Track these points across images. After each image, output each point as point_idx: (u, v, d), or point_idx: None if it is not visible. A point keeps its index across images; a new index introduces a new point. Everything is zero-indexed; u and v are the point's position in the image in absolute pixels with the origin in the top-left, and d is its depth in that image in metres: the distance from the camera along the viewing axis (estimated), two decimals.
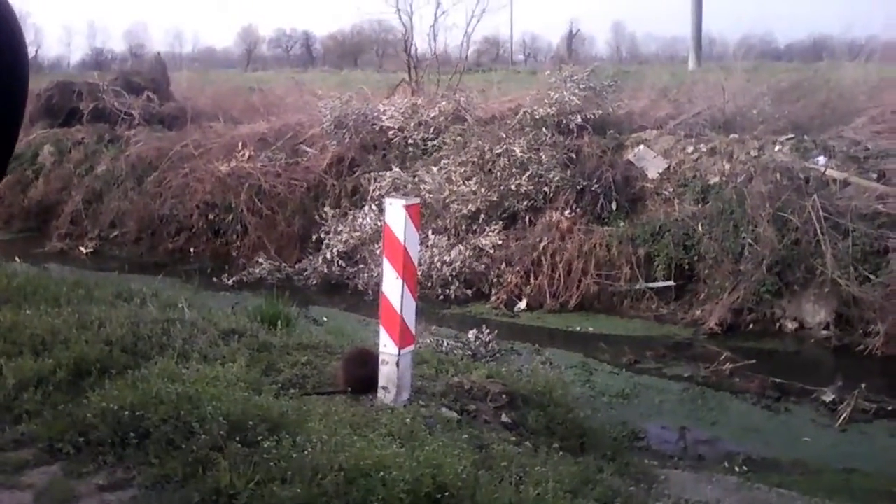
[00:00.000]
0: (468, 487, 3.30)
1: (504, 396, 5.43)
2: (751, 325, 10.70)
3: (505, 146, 12.72)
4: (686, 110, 14.99)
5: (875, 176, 11.33)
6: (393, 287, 4.90)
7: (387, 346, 4.97)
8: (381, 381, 5.01)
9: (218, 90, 22.37)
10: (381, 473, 3.42)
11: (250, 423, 4.00)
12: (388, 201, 4.94)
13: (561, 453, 4.82)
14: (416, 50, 17.96)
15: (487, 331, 10.05)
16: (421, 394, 5.32)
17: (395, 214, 4.82)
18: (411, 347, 5.11)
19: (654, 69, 28.13)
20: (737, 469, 6.65)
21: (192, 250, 14.82)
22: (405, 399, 5.03)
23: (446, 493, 3.24)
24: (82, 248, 14.99)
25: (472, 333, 10.03)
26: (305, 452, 3.68)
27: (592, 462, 4.98)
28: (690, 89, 16.52)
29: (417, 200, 5.11)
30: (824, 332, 10.45)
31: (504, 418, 5.31)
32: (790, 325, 10.68)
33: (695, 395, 8.84)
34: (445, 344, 9.59)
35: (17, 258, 11.30)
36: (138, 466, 3.86)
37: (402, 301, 4.89)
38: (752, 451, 7.40)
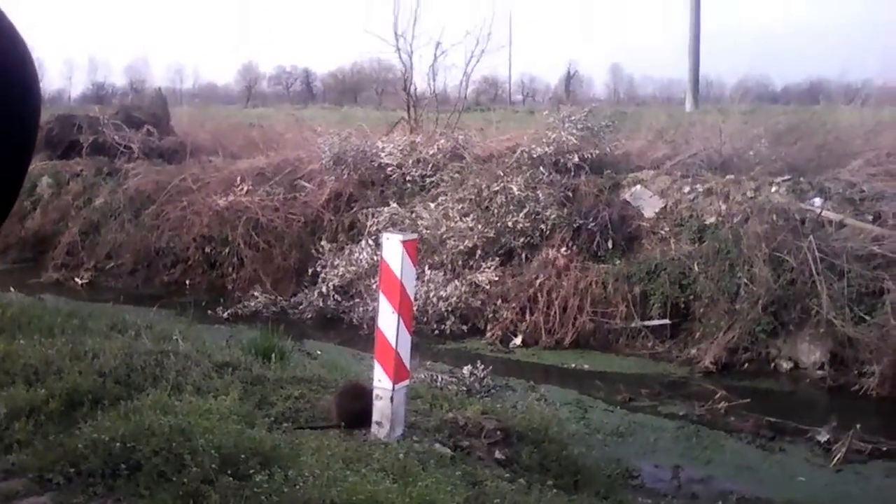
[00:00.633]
0: None
1: (498, 433, 5.41)
2: (746, 365, 10.68)
3: (502, 184, 12.78)
4: (683, 151, 15.06)
5: (871, 218, 11.38)
6: (389, 321, 4.90)
7: (381, 381, 4.96)
8: (375, 416, 4.99)
9: (218, 125, 22.49)
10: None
11: (242, 456, 3.98)
12: (385, 236, 4.95)
13: (555, 491, 4.81)
14: (416, 89, 18.10)
15: (482, 366, 10.04)
16: (415, 429, 5.30)
17: (392, 249, 4.84)
18: (406, 382, 5.10)
19: (651, 110, 28.34)
20: None
21: (187, 283, 14.81)
22: (399, 434, 5.02)
23: None
24: (78, 280, 14.97)
25: (466, 369, 10.02)
26: (297, 487, 3.66)
27: (586, 500, 4.96)
28: (687, 131, 16.59)
29: (415, 236, 5.13)
30: (819, 372, 10.43)
31: (498, 455, 5.29)
32: (785, 365, 10.67)
33: (689, 433, 8.80)
34: (440, 379, 9.57)
35: (11, 288, 11.29)
36: (129, 498, 3.83)
37: (397, 336, 4.89)
38: (745, 490, 7.37)
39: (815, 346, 10.57)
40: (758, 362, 10.74)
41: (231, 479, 3.78)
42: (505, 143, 15.36)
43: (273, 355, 6.71)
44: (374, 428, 5.00)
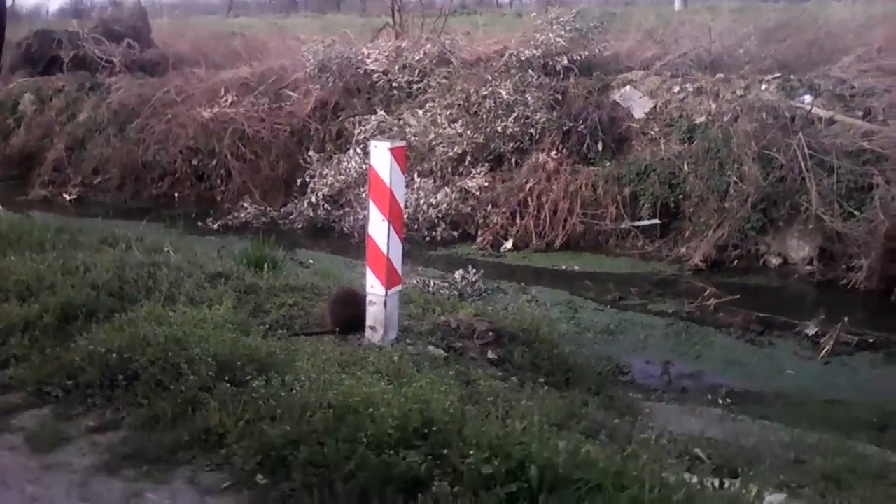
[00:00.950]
0: (455, 422, 3.33)
1: (490, 334, 5.47)
2: (735, 262, 10.80)
3: (491, 88, 12.63)
4: (672, 51, 14.87)
5: (860, 114, 11.32)
6: (379, 229, 4.89)
7: (374, 287, 4.98)
8: (369, 321, 5.03)
9: (199, 36, 22.06)
10: (370, 410, 3.44)
11: (238, 363, 4.01)
12: (373, 144, 4.90)
13: (546, 388, 4.88)
14: None
15: (474, 271, 10.12)
16: (408, 333, 5.35)
17: (381, 157, 4.79)
18: (398, 288, 5.12)
19: (640, 10, 27.82)
20: (720, 401, 6.74)
21: (175, 195, 14.79)
22: (392, 338, 5.06)
23: (434, 428, 3.27)
24: (66, 195, 14.93)
25: (458, 273, 10.09)
26: (294, 391, 3.70)
27: (577, 396, 5.04)
28: (676, 30, 16.35)
29: (403, 143, 5.08)
30: (808, 268, 10.55)
31: (490, 355, 5.35)
32: (774, 261, 10.77)
33: (679, 330, 8.94)
34: (432, 284, 9.65)
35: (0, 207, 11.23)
36: (127, 408, 3.87)
37: (388, 243, 4.89)
38: (735, 384, 7.52)
39: (804, 242, 10.66)
40: (747, 259, 10.85)
41: (228, 385, 3.81)
42: (493, 46, 15.11)
43: (265, 265, 6.72)
44: (367, 332, 5.04)
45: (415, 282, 9.69)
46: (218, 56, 19.02)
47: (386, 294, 4.96)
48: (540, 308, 7.55)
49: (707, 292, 9.45)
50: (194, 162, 14.41)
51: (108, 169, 15.07)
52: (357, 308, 5.14)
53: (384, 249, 4.90)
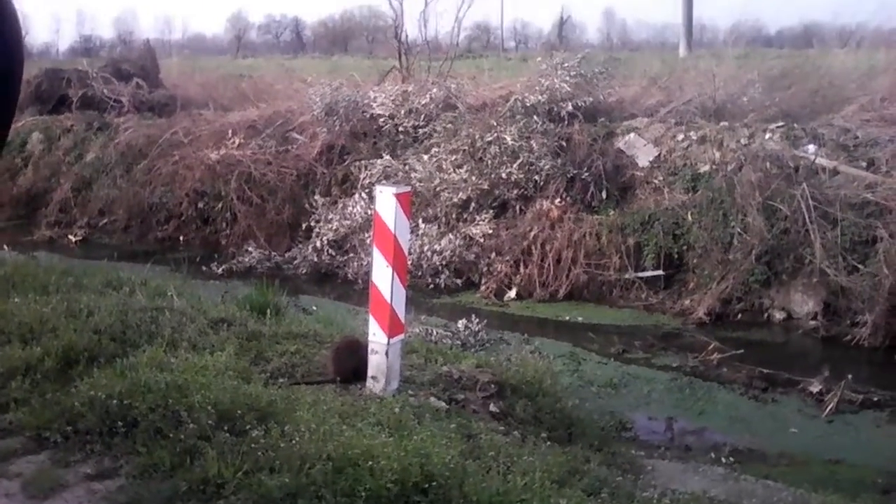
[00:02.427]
0: (456, 477, 3.30)
1: (493, 386, 5.43)
2: (739, 315, 10.73)
3: (496, 134, 12.69)
4: (676, 98, 14.99)
5: (864, 164, 11.35)
6: (383, 275, 4.89)
7: (376, 335, 4.96)
8: (371, 371, 5.01)
9: (207, 78, 22.33)
10: (370, 463, 3.42)
11: (238, 412, 3.99)
12: (378, 189, 4.92)
13: (548, 443, 4.84)
14: (407, 36, 17.94)
15: (477, 320, 10.08)
16: (409, 383, 5.32)
17: (386, 202, 4.81)
18: (401, 336, 5.10)
19: (644, 56, 28.14)
20: (723, 460, 6.68)
21: (181, 238, 14.78)
22: (394, 388, 5.04)
23: (434, 483, 3.24)
24: (71, 237, 14.95)
25: (461, 323, 10.07)
26: (293, 442, 3.68)
27: (580, 452, 4.99)
28: (681, 77, 16.51)
29: (408, 188, 5.10)
30: (812, 322, 10.49)
31: (492, 408, 5.32)
32: (778, 315, 10.72)
33: (682, 385, 8.86)
34: (435, 333, 9.62)
35: (5, 246, 11.25)
36: (126, 456, 3.84)
37: (391, 290, 4.88)
38: (738, 441, 7.43)
39: (808, 296, 10.62)
40: (751, 313, 10.79)
41: (227, 434, 3.79)
42: (498, 91, 15.26)
43: (268, 311, 6.70)
44: (369, 382, 5.02)
45: (417, 330, 9.66)
46: (226, 98, 19.24)
47: (388, 343, 4.94)
48: (543, 360, 7.47)
49: (711, 347, 9.39)
50: (200, 205, 14.43)
51: (115, 210, 15.09)
52: (360, 357, 5.12)
53: (387, 297, 4.89)
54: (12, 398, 4.46)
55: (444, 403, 5.09)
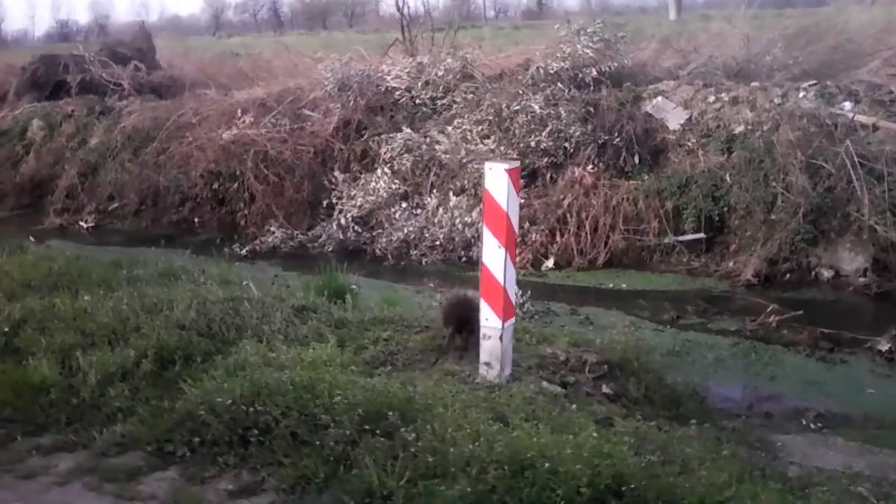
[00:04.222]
0: (652, 478, 3.04)
1: (605, 367, 5.17)
2: (787, 275, 10.50)
3: (522, 102, 12.34)
4: (693, 59, 14.70)
5: None
6: (495, 257, 4.59)
7: (489, 320, 4.67)
8: (484, 357, 4.73)
9: (202, 57, 21.82)
10: (546, 465, 3.14)
11: (380, 411, 3.69)
12: (487, 166, 4.60)
13: (690, 426, 4.59)
14: (409, 8, 17.54)
15: (519, 291, 9.81)
16: (516, 366, 5.04)
17: (497, 179, 4.50)
18: (512, 320, 4.83)
19: (636, 21, 27.73)
20: (811, 426, 6.48)
21: (196, 220, 14.42)
22: (507, 374, 4.76)
23: (631, 486, 2.97)
24: (82, 223, 14.54)
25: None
26: (453, 443, 3.38)
27: (707, 432, 4.74)
28: (695, 37, 16.20)
29: (517, 163, 4.79)
30: (861, 279, 10.28)
31: (605, 389, 5.06)
32: (826, 274, 10.50)
33: (746, 349, 8.61)
34: None
35: (31, 238, 10.85)
36: (266, 467, 3.53)
37: (504, 272, 4.60)
38: (818, 405, 7.17)
39: (856, 253, 10.41)
40: (798, 272, 10.56)
41: (374, 437, 3.49)
42: (513, 59, 14.89)
43: (346, 296, 6.39)
44: (482, 369, 4.73)
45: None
46: (223, 77, 18.78)
47: (503, 327, 4.66)
48: (629, 333, 7.13)
49: (769, 309, 9.16)
50: (215, 186, 14.02)
51: (125, 195, 14.67)
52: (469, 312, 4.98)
53: (500, 279, 4.61)
54: (115, 407, 4.15)
55: (559, 388, 4.83)
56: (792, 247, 10.45)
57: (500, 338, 4.67)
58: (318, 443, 3.52)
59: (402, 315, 5.95)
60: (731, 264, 10.78)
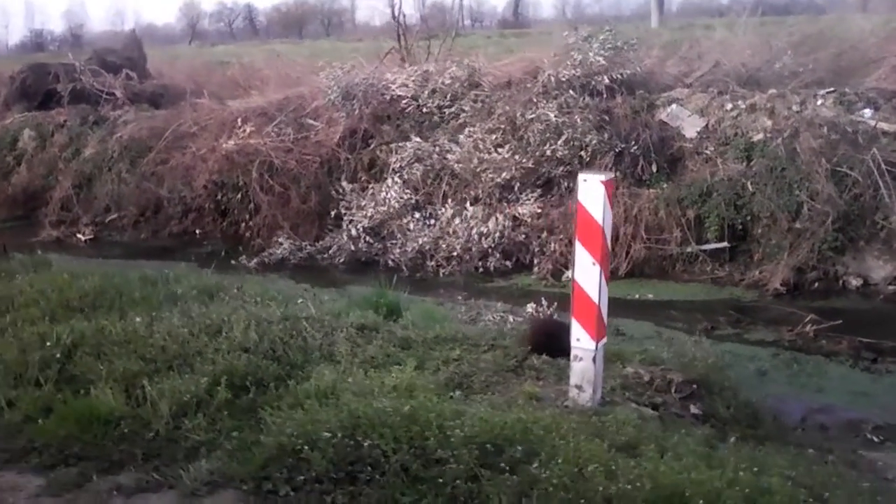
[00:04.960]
0: None
1: (695, 386, 4.92)
2: (815, 284, 10.35)
3: (537, 111, 12.11)
4: (697, 67, 14.57)
5: None
6: (589, 274, 4.33)
7: (580, 341, 4.41)
8: (575, 380, 4.46)
9: (191, 66, 21.44)
10: (700, 501, 2.88)
11: (497, 443, 3.40)
12: (581, 177, 4.34)
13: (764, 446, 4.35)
14: (405, 17, 17.31)
15: (546, 303, 9.57)
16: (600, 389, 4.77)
17: (592, 192, 4.24)
18: (604, 341, 4.56)
19: (622, 28, 27.64)
20: (875, 439, 6.29)
21: (197, 232, 14.06)
22: (599, 398, 4.49)
23: None
24: (80, 235, 14.14)
25: (530, 307, 9.54)
26: (588, 479, 3.11)
27: (806, 456, 4.50)
28: (698, 44, 16.06)
29: (612, 175, 4.53)
30: (891, 287, 10.16)
31: (693, 410, 4.82)
32: (854, 282, 10.36)
33: (787, 360, 8.42)
34: (511, 320, 9.09)
35: (38, 251, 10.41)
36: None
37: (599, 290, 4.33)
38: (872, 417, 6.98)
39: (885, 261, 10.28)
40: (826, 281, 10.42)
41: (503, 473, 3.20)
42: (518, 66, 14.65)
43: (399, 312, 6.10)
44: (573, 392, 4.47)
45: (490, 318, 9.14)
46: (214, 86, 18.39)
47: (596, 348, 4.39)
48: (699, 348, 6.87)
49: (808, 319, 8.98)
50: (218, 196, 13.66)
51: (123, 206, 14.28)
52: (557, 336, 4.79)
53: (595, 297, 4.34)
54: (195, 441, 3.83)
55: (650, 410, 4.57)
56: (819, 255, 10.30)
57: (594, 359, 4.40)
58: (439, 479, 3.21)
59: (464, 333, 5.66)
60: (756, 273, 10.61)
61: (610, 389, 4.79)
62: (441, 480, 3.22)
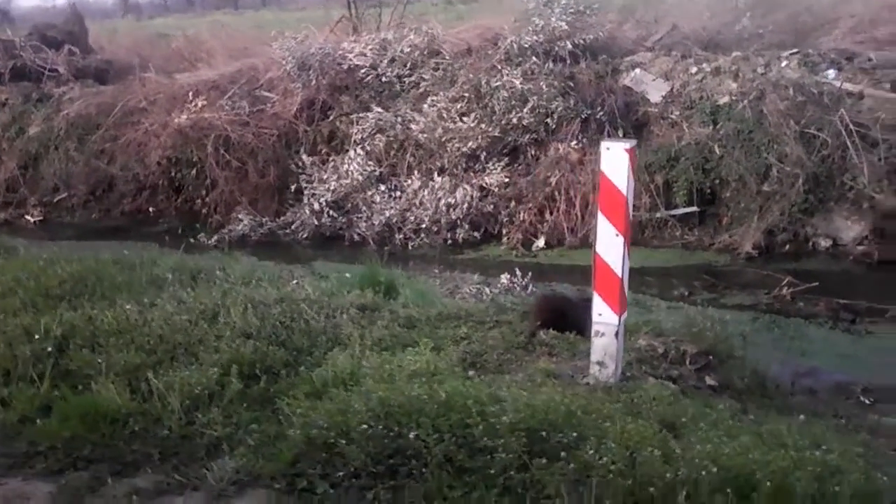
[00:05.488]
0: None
1: (706, 357, 4.82)
2: (785, 247, 10.38)
3: (503, 78, 11.89)
4: (656, 31, 14.51)
5: (888, 86, 11.07)
6: (612, 246, 4.17)
7: (603, 315, 4.26)
8: (596, 356, 4.32)
9: (133, 39, 20.72)
10: (768, 483, 2.76)
11: (540, 429, 3.24)
12: (604, 145, 4.16)
13: (801, 417, 4.28)
14: None
15: (519, 273, 9.46)
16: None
17: (615, 160, 4.07)
18: (626, 315, 4.42)
19: None
20: (867, 401, 6.29)
21: (151, 210, 13.59)
22: (619, 374, 4.36)
23: None
24: (28, 217, 13.60)
25: (504, 277, 9.43)
26: (645, 465, 2.97)
27: (822, 424, 4.44)
28: (654, 8, 15.98)
29: (634, 142, 4.35)
30: (860, 248, 10.22)
31: (710, 381, 4.72)
32: (823, 243, 10.41)
33: (767, 324, 8.44)
34: (487, 292, 8.95)
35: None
36: (428, 502, 3.04)
37: (622, 262, 4.19)
38: (860, 379, 6.96)
39: (854, 222, 10.34)
40: (795, 243, 10.46)
41: (555, 460, 3.05)
42: (475, 33, 14.38)
43: (401, 290, 5.90)
44: (594, 369, 4.32)
45: (467, 290, 8.99)
46: (159, 59, 17.72)
47: (618, 323, 4.26)
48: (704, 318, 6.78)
49: (785, 281, 9.00)
50: (172, 173, 13.21)
51: (73, 185, 13.75)
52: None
53: (618, 271, 4.20)
54: (213, 436, 3.59)
55: (671, 384, 4.45)
56: (789, 217, 10.33)
57: (616, 334, 4.26)
58: (489, 470, 3.04)
59: (467, 310, 5.48)
60: (727, 237, 10.63)
61: (627, 363, 4.66)
62: (491, 471, 3.05)
